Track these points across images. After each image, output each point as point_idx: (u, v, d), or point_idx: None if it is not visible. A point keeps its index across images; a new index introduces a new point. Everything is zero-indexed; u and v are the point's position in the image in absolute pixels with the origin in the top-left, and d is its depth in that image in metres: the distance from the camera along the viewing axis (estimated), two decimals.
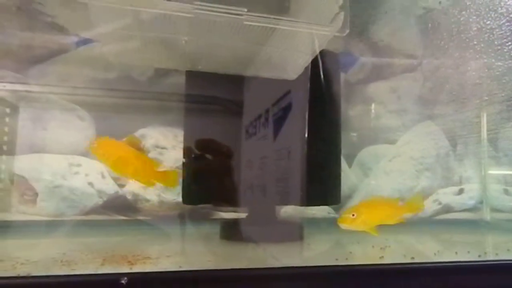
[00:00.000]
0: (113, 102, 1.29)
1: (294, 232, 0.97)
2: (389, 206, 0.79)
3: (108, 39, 0.64)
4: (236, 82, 0.99)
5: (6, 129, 1.19)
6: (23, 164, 1.17)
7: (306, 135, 0.89)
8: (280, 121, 0.96)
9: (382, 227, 1.22)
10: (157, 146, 1.30)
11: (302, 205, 0.98)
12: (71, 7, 0.97)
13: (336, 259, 0.70)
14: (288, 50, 0.67)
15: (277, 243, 0.90)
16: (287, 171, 0.95)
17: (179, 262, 0.68)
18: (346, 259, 0.71)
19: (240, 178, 1.02)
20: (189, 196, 1.04)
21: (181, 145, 1.32)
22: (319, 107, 0.92)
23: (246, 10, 0.53)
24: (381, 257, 0.73)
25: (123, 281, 0.41)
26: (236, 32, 0.61)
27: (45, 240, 1.00)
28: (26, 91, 1.21)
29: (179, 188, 1.28)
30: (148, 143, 1.30)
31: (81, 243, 0.94)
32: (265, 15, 0.55)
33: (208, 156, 1.05)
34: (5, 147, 1.17)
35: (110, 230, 1.17)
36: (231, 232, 0.96)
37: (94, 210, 1.23)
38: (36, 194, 0.87)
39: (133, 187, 1.26)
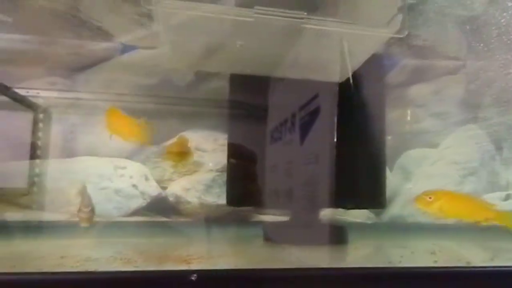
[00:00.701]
0: (155, 106, 1.32)
1: (339, 236, 0.96)
2: (474, 204, 0.77)
3: (164, 44, 0.66)
4: (280, 85, 1.00)
5: (54, 133, 1.25)
6: (73, 167, 1.21)
7: (335, 139, 0.88)
8: (307, 125, 0.96)
9: (425, 232, 1.20)
10: (197, 149, 1.32)
11: (344, 207, 0.98)
12: (120, 13, 1.00)
13: (389, 262, 0.69)
14: (340, 53, 0.68)
15: (322, 246, 0.90)
16: (328, 174, 0.95)
17: (232, 262, 0.69)
18: (400, 262, 0.71)
19: (282, 180, 1.03)
20: (233, 198, 1.06)
21: (221, 148, 1.35)
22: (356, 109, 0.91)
23: (305, 13, 0.54)
24: (435, 261, 0.72)
25: (193, 277, 0.42)
26: (290, 35, 0.62)
27: (94, 240, 1.03)
28: (76, 98, 1.26)
29: (219, 191, 1.30)
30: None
31: (129, 243, 0.97)
32: (324, 18, 0.55)
33: (233, 161, 1.07)
34: (55, 151, 1.22)
35: (154, 231, 1.20)
36: (275, 234, 0.97)
37: (138, 212, 1.27)
38: (93, 211, 0.91)
39: (175, 189, 1.29)
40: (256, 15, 0.54)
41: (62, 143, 1.27)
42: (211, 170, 1.31)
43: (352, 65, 0.71)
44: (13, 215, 1.15)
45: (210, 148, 1.33)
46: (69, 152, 1.23)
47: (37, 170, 1.23)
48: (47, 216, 1.17)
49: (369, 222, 1.33)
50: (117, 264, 0.64)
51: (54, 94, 1.26)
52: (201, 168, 1.31)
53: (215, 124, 1.34)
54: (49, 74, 1.28)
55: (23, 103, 1.20)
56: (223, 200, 1.27)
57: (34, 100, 1.23)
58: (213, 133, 1.35)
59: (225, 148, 1.35)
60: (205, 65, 0.78)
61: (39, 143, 1.24)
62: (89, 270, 0.55)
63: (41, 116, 1.24)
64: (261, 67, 0.84)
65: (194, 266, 0.61)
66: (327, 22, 0.56)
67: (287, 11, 0.54)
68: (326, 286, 0.56)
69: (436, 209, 0.69)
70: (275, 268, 0.50)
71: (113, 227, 1.19)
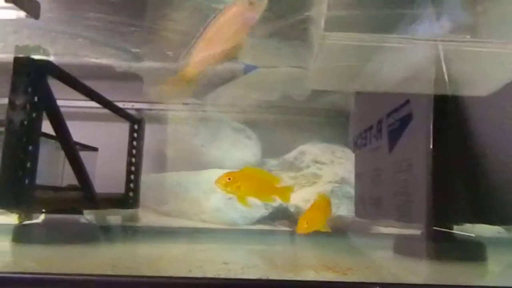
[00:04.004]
0: (275, 121, 1.40)
1: (476, 251, 0.93)
2: None
3: (315, 69, 0.72)
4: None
5: (188, 147, 1.38)
6: (205, 178, 1.33)
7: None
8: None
9: None
10: (316, 162, 1.37)
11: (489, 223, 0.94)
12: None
13: None
14: (491, 67, 0.67)
15: (458, 262, 0.88)
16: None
17: (381, 274, 0.72)
18: None
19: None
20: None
21: (339, 161, 1.38)
22: None
23: (469, 36, 0.56)
24: None
25: None
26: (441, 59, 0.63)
27: (228, 245, 1.12)
28: (204, 114, 1.39)
29: (338, 202, 1.33)
30: (307, 158, 1.39)
31: (268, 250, 1.03)
32: (486, 40, 0.56)
33: None
34: (189, 164, 1.36)
35: (278, 240, 1.26)
36: (407, 247, 0.97)
37: (261, 221, 1.35)
38: None
39: (295, 200, 1.35)
40: (417, 41, 0.57)
41: (193, 156, 1.40)
42: (330, 182, 1.34)
43: (501, 79, 0.70)
44: (157, 221, 1.30)
45: (328, 161, 1.37)
46: (203, 165, 1.36)
47: (132, 177, 1.35)
48: (185, 223, 1.30)
49: (498, 237, 1.26)
50: (279, 271, 0.70)
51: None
52: (319, 180, 1.36)
53: (333, 136, 1.38)
54: (183, 95, 1.42)
55: (122, 114, 1.32)
56: (342, 211, 1.30)
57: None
58: (330, 145, 1.39)
59: (342, 160, 1.39)
60: (344, 85, 0.82)
61: (134, 151, 1.36)
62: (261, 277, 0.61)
63: (135, 126, 1.36)
64: (386, 84, 0.86)
65: (353, 277, 0.65)
66: (492, 44, 0.57)
67: (449, 35, 0.56)
68: None
69: None
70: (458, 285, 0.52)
71: (241, 234, 1.28)
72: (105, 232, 1.11)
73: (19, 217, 1.08)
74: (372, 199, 1.06)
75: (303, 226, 0.77)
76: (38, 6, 0.86)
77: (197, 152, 1.38)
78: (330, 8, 0.58)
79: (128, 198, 1.31)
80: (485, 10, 0.65)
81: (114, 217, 1.26)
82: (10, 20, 0.93)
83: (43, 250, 0.87)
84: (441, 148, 0.84)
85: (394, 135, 0.94)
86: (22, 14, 0.87)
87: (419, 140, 0.86)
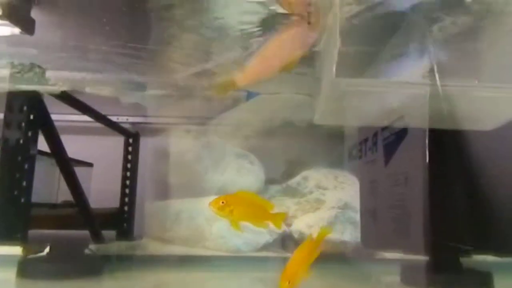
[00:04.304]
0: (278, 146, 1.41)
1: (482, 281, 0.94)
2: None
3: (323, 108, 0.73)
4: None
5: (191, 174, 1.39)
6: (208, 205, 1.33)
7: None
8: None
9: None
10: (319, 187, 1.38)
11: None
12: None
13: None
14: (494, 106, 0.69)
15: None
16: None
17: None
18: None
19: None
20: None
21: (342, 186, 1.39)
22: None
23: (477, 81, 0.58)
24: None
25: None
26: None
27: (233, 274, 1.12)
28: (207, 140, 1.40)
29: (342, 228, 1.33)
30: (310, 184, 1.40)
31: (272, 279, 1.03)
32: (495, 85, 0.58)
33: None
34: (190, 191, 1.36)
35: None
36: (414, 276, 0.97)
37: (265, 247, 1.35)
38: None
39: (299, 226, 1.35)
40: (425, 86, 0.58)
41: (196, 182, 1.40)
42: (333, 207, 1.35)
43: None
44: (161, 249, 1.29)
45: (331, 186, 1.38)
46: (205, 191, 1.36)
47: (127, 191, 1.34)
48: (189, 250, 1.30)
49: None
50: None
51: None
52: (322, 205, 1.37)
53: (335, 162, 1.39)
54: (184, 122, 1.44)
55: (116, 128, 1.31)
56: (346, 237, 1.31)
57: None
58: (333, 171, 1.40)
59: (345, 185, 1.40)
60: (351, 120, 0.84)
61: (129, 165, 1.36)
62: None
63: (130, 140, 1.34)
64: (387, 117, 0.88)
65: None
66: (500, 89, 0.58)
67: (458, 80, 0.58)
68: None
69: None
70: None
71: (246, 261, 1.27)
72: (110, 263, 1.10)
73: (23, 250, 1.07)
74: (369, 212, 1.06)
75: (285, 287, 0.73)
76: (32, 22, 0.86)
77: (200, 178, 1.39)
78: (341, 51, 0.60)
79: (123, 213, 1.30)
80: (486, 49, 0.67)
81: (118, 247, 1.26)
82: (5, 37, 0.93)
83: (52, 286, 0.86)
84: (437, 163, 0.84)
85: (390, 149, 0.95)
86: (16, 31, 0.87)
87: (415, 155, 0.86)
